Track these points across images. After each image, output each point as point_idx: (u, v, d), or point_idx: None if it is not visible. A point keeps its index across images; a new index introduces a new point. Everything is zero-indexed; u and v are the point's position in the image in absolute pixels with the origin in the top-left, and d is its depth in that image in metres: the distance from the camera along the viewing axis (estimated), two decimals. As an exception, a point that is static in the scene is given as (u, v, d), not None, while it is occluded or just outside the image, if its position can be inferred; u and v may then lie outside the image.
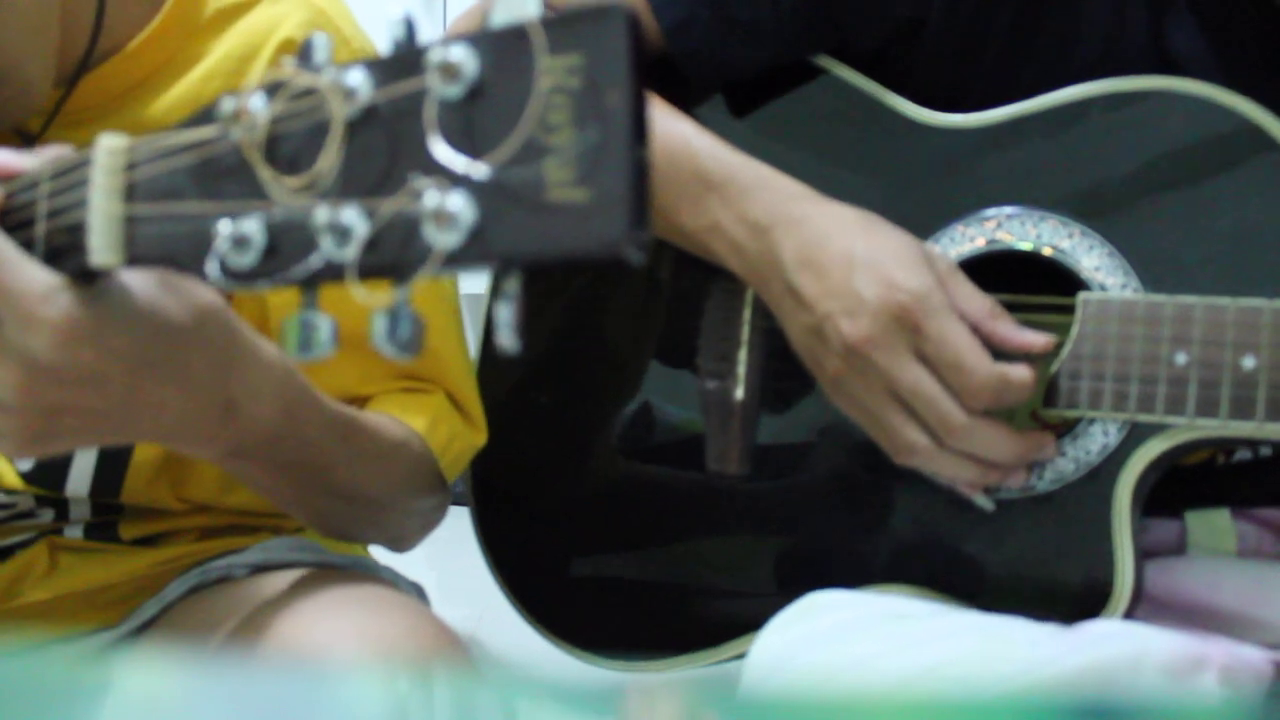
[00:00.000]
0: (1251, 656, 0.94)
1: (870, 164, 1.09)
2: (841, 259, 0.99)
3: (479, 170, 0.54)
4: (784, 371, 1.08)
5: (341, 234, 0.57)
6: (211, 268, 0.60)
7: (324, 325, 0.60)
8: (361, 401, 1.02)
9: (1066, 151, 1.03)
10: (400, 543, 1.09)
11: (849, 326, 0.98)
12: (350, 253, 0.56)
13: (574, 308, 1.19)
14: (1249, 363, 0.93)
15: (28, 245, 0.69)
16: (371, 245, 0.56)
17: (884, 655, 0.95)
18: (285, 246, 0.58)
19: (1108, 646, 0.93)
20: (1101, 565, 0.98)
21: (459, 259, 0.54)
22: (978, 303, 0.98)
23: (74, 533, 1.08)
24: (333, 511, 0.99)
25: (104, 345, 0.70)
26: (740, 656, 1.07)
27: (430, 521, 1.08)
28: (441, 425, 1.03)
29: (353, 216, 0.56)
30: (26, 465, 1.04)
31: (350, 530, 1.04)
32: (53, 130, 1.00)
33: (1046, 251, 1.02)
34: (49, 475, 1.04)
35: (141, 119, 1.01)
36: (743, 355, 1.12)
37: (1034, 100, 1.04)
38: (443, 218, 0.54)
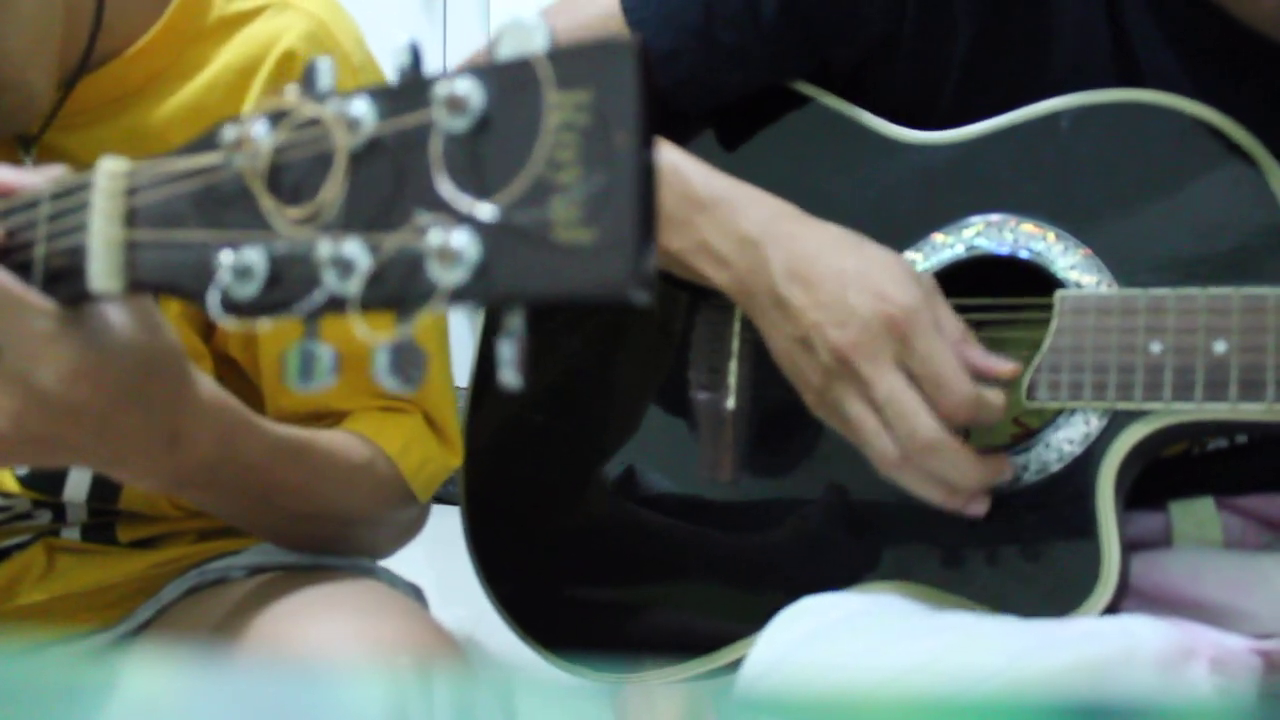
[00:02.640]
0: (1238, 647, 0.95)
1: (850, 182, 1.11)
2: (832, 274, 1.00)
3: (486, 210, 0.53)
4: (774, 381, 1.08)
5: (344, 267, 0.56)
6: (213, 298, 0.60)
7: (325, 355, 0.59)
8: (339, 417, 1.02)
9: (1040, 161, 1.05)
10: (374, 552, 1.09)
11: (837, 335, 0.99)
12: (353, 287, 0.56)
13: (565, 326, 1.19)
14: (1220, 347, 0.95)
15: (27, 266, 0.69)
16: (374, 279, 0.56)
17: (872, 653, 0.96)
18: (288, 278, 0.58)
19: (1097, 641, 0.94)
20: (1087, 553, 0.99)
21: (463, 296, 0.54)
22: (952, 325, 1.00)
23: (71, 534, 1.08)
24: (292, 530, 0.99)
25: (99, 382, 0.71)
26: (734, 664, 1.07)
27: (406, 533, 1.08)
28: (415, 448, 1.02)
29: (355, 250, 0.56)
30: (24, 469, 1.04)
31: (312, 545, 1.03)
32: (50, 133, 0.99)
33: (1023, 255, 1.03)
34: (46, 480, 1.04)
35: (140, 125, 1.00)
36: (733, 366, 1.13)
37: (1006, 116, 1.06)
38: (447, 255, 0.53)
